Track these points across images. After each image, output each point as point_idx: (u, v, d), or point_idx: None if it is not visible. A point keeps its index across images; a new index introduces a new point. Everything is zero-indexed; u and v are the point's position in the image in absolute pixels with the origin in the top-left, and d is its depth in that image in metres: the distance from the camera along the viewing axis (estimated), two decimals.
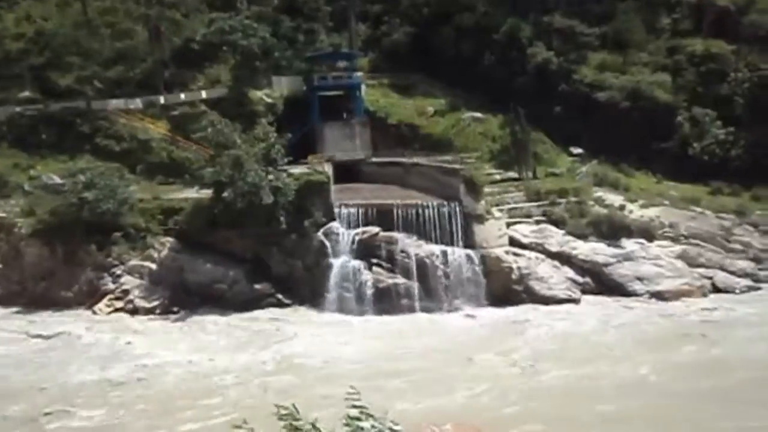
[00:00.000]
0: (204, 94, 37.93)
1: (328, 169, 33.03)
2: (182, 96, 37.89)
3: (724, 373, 21.82)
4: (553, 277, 30.74)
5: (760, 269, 32.24)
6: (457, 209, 31.23)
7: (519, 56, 40.46)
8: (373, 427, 4.50)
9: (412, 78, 41.00)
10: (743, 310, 28.07)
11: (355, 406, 4.54)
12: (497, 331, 27.02)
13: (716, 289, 30.84)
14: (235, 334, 27.28)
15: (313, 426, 4.38)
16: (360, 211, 31.34)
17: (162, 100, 37.78)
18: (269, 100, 38.03)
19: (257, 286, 30.39)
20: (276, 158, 31.36)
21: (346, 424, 4.49)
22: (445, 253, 30.36)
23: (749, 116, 39.74)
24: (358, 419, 4.52)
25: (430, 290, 30.01)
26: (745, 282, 31.29)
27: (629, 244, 31.84)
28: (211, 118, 34.09)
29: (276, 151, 31.37)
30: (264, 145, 31.42)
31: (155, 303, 29.93)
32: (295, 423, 4.33)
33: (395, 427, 4.52)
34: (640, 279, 30.69)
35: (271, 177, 30.58)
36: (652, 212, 33.86)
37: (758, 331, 25.37)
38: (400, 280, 29.98)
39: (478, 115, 38.93)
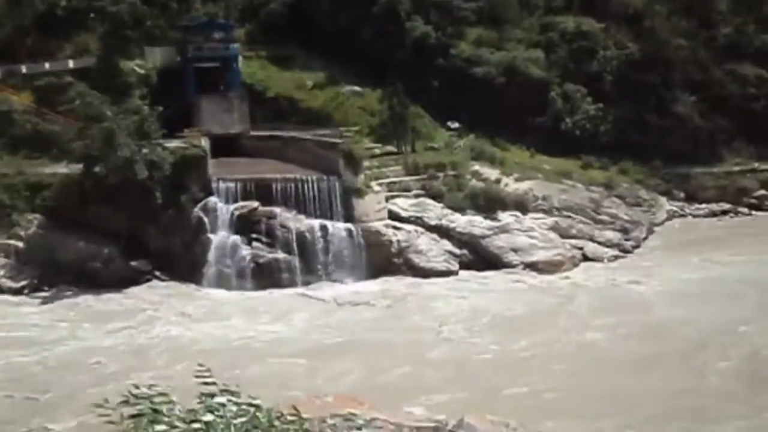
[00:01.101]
0: (71, 64, 36.03)
1: (205, 143, 32.24)
2: (47, 65, 35.88)
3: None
4: (432, 250, 31.20)
5: (626, 239, 33.80)
6: (337, 183, 31.18)
7: (397, 30, 40.49)
8: (230, 401, 4.35)
9: (290, 50, 40.33)
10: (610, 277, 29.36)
11: (206, 383, 4.39)
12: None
13: (586, 259, 32.12)
14: (105, 312, 26.42)
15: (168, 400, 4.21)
16: (238, 185, 30.80)
17: (24, 69, 35.68)
18: (142, 72, 36.57)
19: (134, 264, 29.47)
20: (150, 132, 30.34)
21: (201, 402, 4.32)
22: (324, 228, 30.28)
23: (617, 93, 41.40)
24: (213, 395, 4.37)
25: (311, 264, 29.92)
26: (613, 252, 32.75)
27: (505, 217, 32.67)
28: (80, 90, 32.56)
29: (149, 125, 30.35)
30: (137, 118, 30.35)
31: (23, 283, 28.53)
32: (147, 404, 4.15)
33: (253, 401, 4.40)
34: (515, 250, 31.56)
35: (145, 151, 29.59)
36: (526, 185, 34.83)
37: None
38: (281, 254, 29.75)
39: (357, 88, 38.83)
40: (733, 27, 44.34)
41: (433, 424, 8.93)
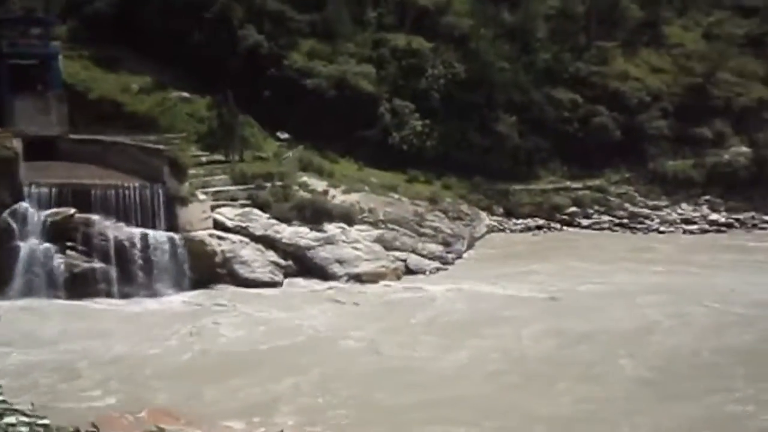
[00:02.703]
0: None
1: (17, 144, 30.43)
2: None
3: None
4: (257, 261, 31.02)
5: (447, 252, 35.00)
6: (160, 191, 30.32)
7: (229, 37, 40.17)
8: (20, 422, 4.20)
9: (116, 52, 39.00)
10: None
11: None
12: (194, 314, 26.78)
13: (409, 271, 32.97)
14: None
15: None
16: (53, 191, 29.27)
17: None
18: None
19: None
20: None
21: None
22: (146, 237, 29.36)
23: (443, 110, 42.95)
24: (1, 415, 4.21)
25: (130, 275, 28.94)
26: (435, 264, 33.81)
27: (331, 228, 32.99)
28: None
29: None
30: None
31: None
32: None
33: (40, 421, 4.27)
34: (339, 262, 31.93)
35: None
36: (353, 197, 35.39)
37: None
38: (97, 264, 28.58)
39: (186, 95, 38.10)
40: (550, 54, 47.08)
41: None
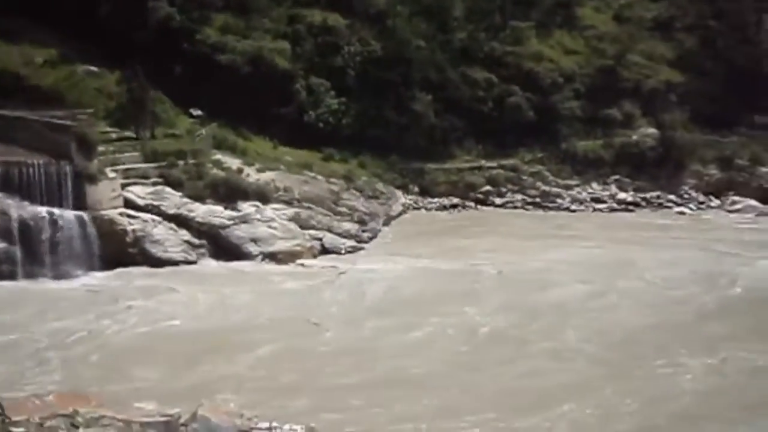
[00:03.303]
0: None
1: None
2: None
3: None
4: (170, 240, 30.46)
5: (363, 231, 35.03)
6: (68, 169, 29.34)
7: (139, 9, 38.83)
8: None
9: (17, 22, 37.24)
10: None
11: None
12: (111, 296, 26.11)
13: (325, 250, 32.87)
14: None
15: None
16: None
17: None
18: None
19: None
20: None
21: None
22: (52, 215, 28.44)
23: (359, 88, 42.74)
24: None
25: (36, 255, 28.01)
26: (350, 242, 33.79)
27: (245, 207, 32.58)
28: None
29: None
30: None
31: None
32: None
33: None
34: (254, 241, 31.61)
35: None
36: (268, 176, 34.95)
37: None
38: (0, 244, 27.56)
39: (94, 69, 36.76)
40: (466, 33, 47.32)
41: (165, 419, 8.70)
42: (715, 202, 44.13)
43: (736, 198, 44.09)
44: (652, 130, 46.83)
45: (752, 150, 46.69)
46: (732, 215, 42.01)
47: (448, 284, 27.70)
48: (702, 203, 43.91)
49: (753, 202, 43.36)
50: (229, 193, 32.69)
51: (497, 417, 17.28)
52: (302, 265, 30.68)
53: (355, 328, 23.33)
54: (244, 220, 32.12)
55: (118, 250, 29.42)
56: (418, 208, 40.51)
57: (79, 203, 29.37)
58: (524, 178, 43.47)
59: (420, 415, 17.32)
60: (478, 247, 33.06)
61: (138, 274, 28.64)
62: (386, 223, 37.03)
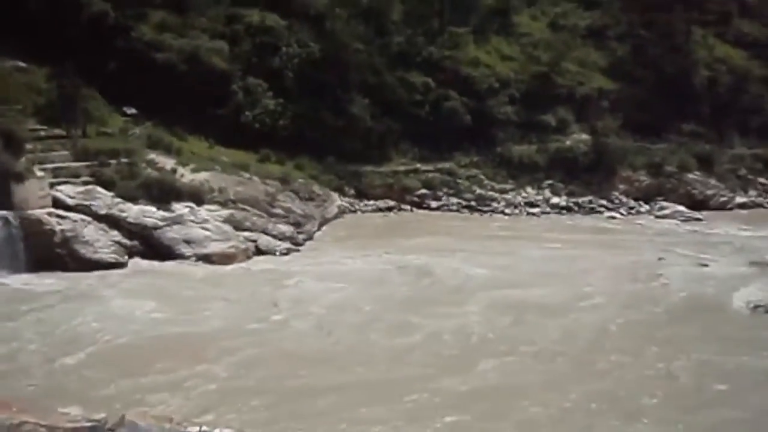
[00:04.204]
0: None
1: None
2: None
3: None
4: (100, 241, 29.77)
5: (298, 233, 34.91)
6: None
7: (71, 4, 38.03)
8: None
9: None
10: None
11: None
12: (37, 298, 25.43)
13: (259, 252, 32.63)
14: None
15: None
16: None
17: None
18: None
19: None
20: None
21: None
22: None
23: (297, 90, 42.65)
24: None
25: None
26: (285, 245, 33.62)
27: (179, 208, 32.09)
28: None
29: None
30: None
31: None
32: None
33: None
34: (188, 242, 31.16)
35: None
36: (202, 176, 34.53)
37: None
38: None
39: (22, 64, 35.81)
40: (404, 37, 47.64)
41: (90, 424, 8.51)
42: (645, 207, 45.28)
43: (665, 203, 45.34)
44: (585, 136, 47.88)
45: (680, 157, 48.15)
46: (661, 220, 43.07)
47: (386, 285, 27.65)
48: (632, 208, 45.02)
49: (680, 208, 44.67)
50: (163, 193, 32.19)
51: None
52: (237, 266, 30.30)
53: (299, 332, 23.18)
54: (178, 221, 31.64)
55: (45, 251, 28.61)
56: (354, 211, 40.60)
57: (6, 203, 28.52)
58: (460, 181, 43.97)
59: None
60: (415, 248, 33.18)
61: (66, 276, 27.86)
62: (322, 225, 36.95)
